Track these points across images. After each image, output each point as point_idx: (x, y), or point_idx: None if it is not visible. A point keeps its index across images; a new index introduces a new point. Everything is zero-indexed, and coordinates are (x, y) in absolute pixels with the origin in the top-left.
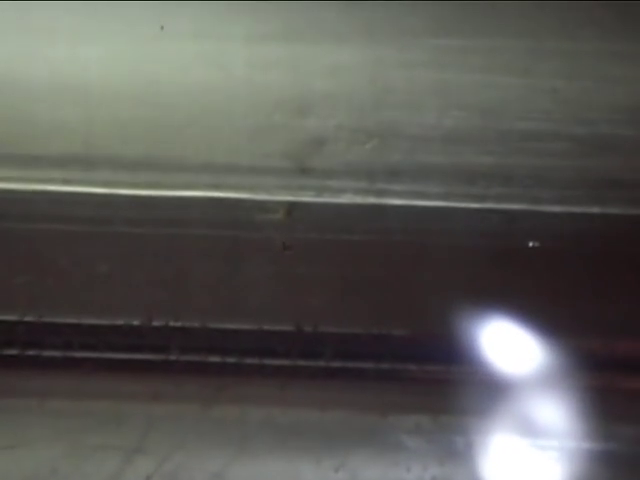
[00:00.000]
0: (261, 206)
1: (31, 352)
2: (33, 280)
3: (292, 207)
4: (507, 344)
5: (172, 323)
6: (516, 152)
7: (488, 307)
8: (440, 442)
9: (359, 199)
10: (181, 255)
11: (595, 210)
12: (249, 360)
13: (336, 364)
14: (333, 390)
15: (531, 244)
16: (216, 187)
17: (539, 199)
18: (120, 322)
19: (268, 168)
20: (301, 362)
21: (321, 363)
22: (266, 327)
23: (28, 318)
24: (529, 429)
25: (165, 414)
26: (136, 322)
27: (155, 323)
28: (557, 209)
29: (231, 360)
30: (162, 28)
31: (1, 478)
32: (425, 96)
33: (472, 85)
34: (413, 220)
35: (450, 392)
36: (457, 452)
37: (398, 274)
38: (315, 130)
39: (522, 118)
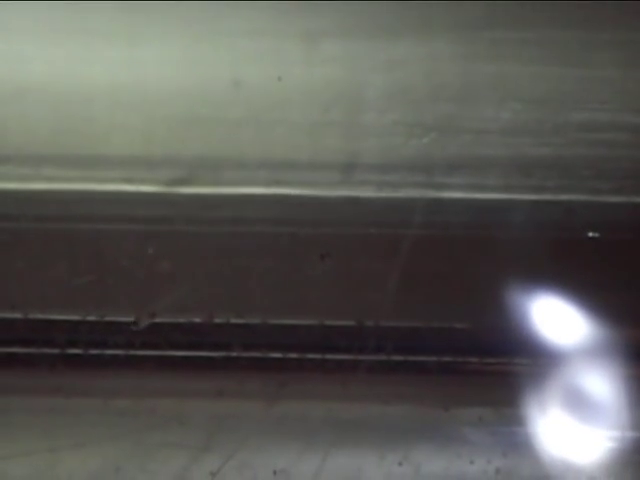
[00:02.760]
0: (320, 202)
1: (94, 351)
2: (95, 280)
3: (351, 202)
4: (568, 335)
5: (234, 320)
6: (574, 143)
7: (549, 299)
8: (503, 434)
9: (418, 193)
10: (242, 252)
11: None
12: (311, 356)
13: (397, 358)
14: (395, 384)
15: (590, 235)
16: (275, 183)
17: (598, 190)
18: (182, 320)
19: (326, 164)
20: (363, 357)
21: (383, 357)
22: (327, 322)
23: (91, 318)
24: (591, 419)
25: (228, 411)
26: (198, 319)
27: (217, 320)
28: (616, 199)
29: (293, 356)
30: (218, 28)
31: (67, 477)
32: (482, 89)
33: (529, 77)
34: (472, 213)
35: (512, 384)
36: (520, 444)
37: (458, 267)
38: (372, 125)
39: (579, 109)
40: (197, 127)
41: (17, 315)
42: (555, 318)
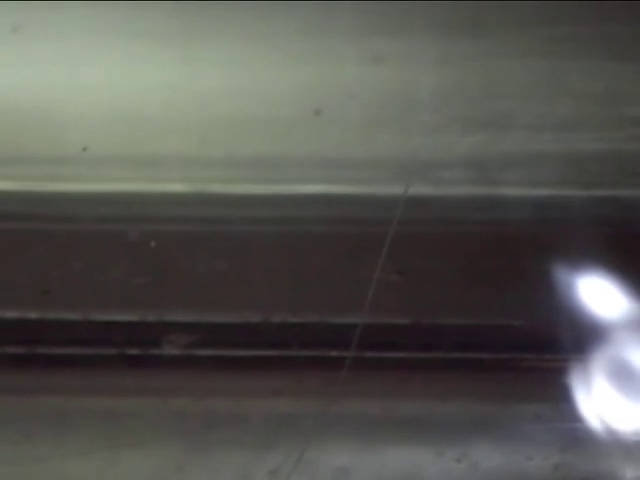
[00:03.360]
0: (376, 200)
1: (153, 351)
2: (153, 280)
3: (407, 200)
4: (626, 331)
5: (291, 319)
6: (629, 138)
7: (606, 294)
8: (561, 430)
9: (474, 190)
10: (298, 251)
11: None
12: (369, 354)
13: (455, 355)
14: (453, 381)
15: None
16: (331, 181)
17: None
18: (240, 319)
19: (381, 161)
20: (420, 354)
21: (440, 355)
22: (385, 320)
23: (149, 318)
24: None
25: (287, 410)
26: (255, 319)
27: (274, 319)
28: None
29: (350, 354)
30: (272, 28)
31: (128, 476)
32: (536, 85)
33: (583, 72)
34: (528, 209)
35: (569, 380)
36: (578, 440)
37: (515, 264)
38: (427, 122)
39: (634, 104)
40: (252, 126)
41: (76, 316)
42: (612, 314)
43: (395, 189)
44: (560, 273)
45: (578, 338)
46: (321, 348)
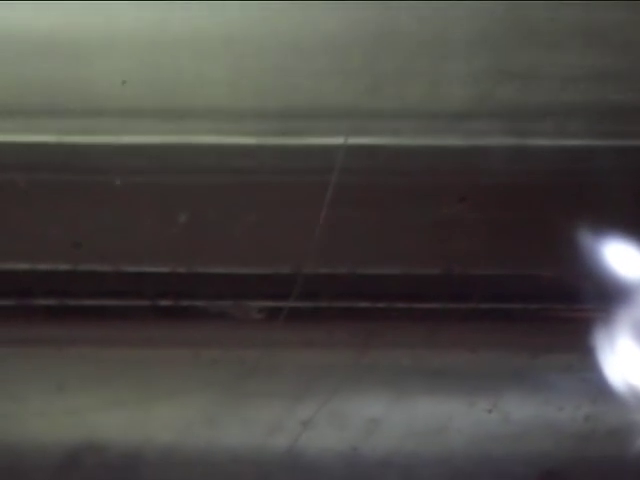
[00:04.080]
0: (406, 151)
1: (184, 303)
2: (185, 231)
3: (435, 151)
4: None
5: (322, 270)
6: None
7: (635, 246)
8: (592, 381)
9: (504, 140)
10: (329, 203)
11: None
12: (399, 305)
13: (485, 306)
14: (483, 332)
15: None
16: (361, 133)
17: None
18: (271, 271)
19: (411, 112)
20: (450, 305)
21: (470, 305)
22: (415, 271)
23: (180, 269)
24: None
25: (318, 361)
26: (286, 270)
27: (305, 271)
28: None
29: (381, 305)
30: None
31: (160, 427)
32: (567, 35)
33: (614, 23)
34: (558, 160)
35: (600, 331)
36: (609, 390)
37: (545, 215)
38: (458, 73)
39: None
40: (283, 78)
41: (108, 268)
42: None
43: (424, 140)
44: (590, 224)
45: (609, 289)
46: (352, 299)
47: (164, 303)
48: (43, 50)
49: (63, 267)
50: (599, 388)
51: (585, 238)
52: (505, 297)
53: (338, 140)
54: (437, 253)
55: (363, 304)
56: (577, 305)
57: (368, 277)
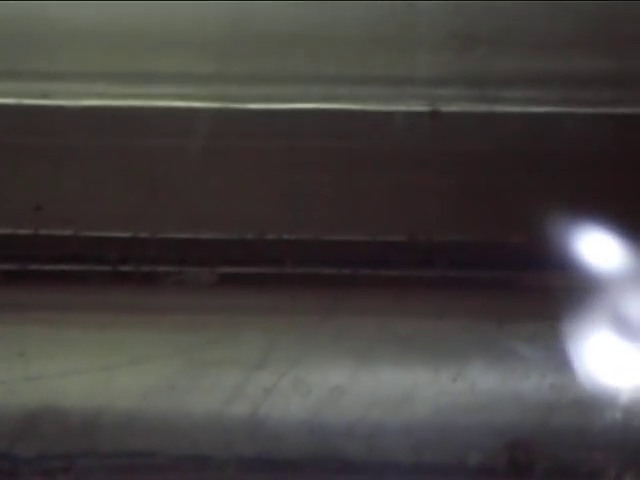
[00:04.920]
0: (372, 116)
1: (146, 268)
2: (147, 196)
3: (403, 117)
4: (623, 251)
5: (286, 236)
6: (629, 55)
7: (604, 213)
8: (557, 349)
9: (471, 107)
10: (294, 167)
11: None
12: (364, 271)
13: (451, 273)
14: (448, 299)
15: None
16: (327, 99)
17: None
18: (234, 236)
19: (378, 78)
20: (416, 272)
21: (436, 273)
22: (380, 238)
23: (142, 234)
24: None
25: (282, 327)
26: (250, 236)
27: (269, 236)
28: None
29: (346, 272)
30: None
31: (121, 394)
32: (536, 2)
33: None
34: (526, 127)
35: (566, 299)
36: (574, 359)
37: (511, 182)
38: (425, 39)
39: (634, 21)
40: (249, 41)
41: (69, 232)
42: (611, 233)
43: (391, 106)
44: (558, 191)
45: (576, 257)
46: (317, 266)
47: (125, 268)
48: (2, 11)
49: (24, 231)
50: (564, 357)
51: (553, 205)
52: (471, 264)
53: (304, 105)
54: (403, 219)
55: (328, 270)
56: (544, 273)
57: (333, 243)
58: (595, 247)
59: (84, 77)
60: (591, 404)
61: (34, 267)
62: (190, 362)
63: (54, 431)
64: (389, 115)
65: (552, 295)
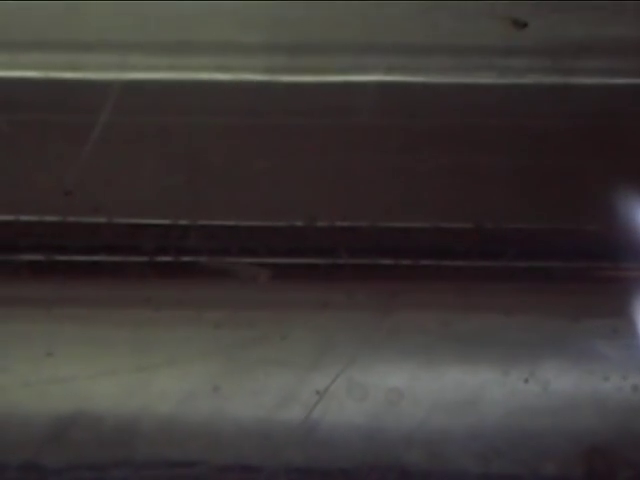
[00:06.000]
0: (433, 90)
1: (186, 259)
2: (187, 180)
3: (467, 90)
4: None
5: (339, 223)
6: None
7: None
8: None
9: (542, 79)
10: (348, 147)
11: None
12: (425, 262)
13: (521, 264)
14: (519, 293)
15: None
16: (385, 70)
17: None
18: (282, 223)
19: (438, 48)
20: (482, 263)
21: (504, 263)
22: (443, 225)
23: (182, 222)
24: None
25: (335, 325)
26: (299, 223)
27: (320, 223)
28: None
29: (405, 262)
30: None
31: (159, 397)
32: None
33: None
34: (604, 101)
35: None
36: None
37: (589, 162)
38: (491, 9)
39: None
40: (298, 8)
41: (101, 219)
42: None
43: (452, 78)
44: (638, 173)
45: None
46: (373, 256)
47: (163, 259)
48: None
49: (51, 218)
50: None
51: (634, 188)
52: (543, 254)
53: (360, 77)
54: (468, 205)
55: (385, 261)
56: (623, 263)
57: (391, 231)
58: None
59: (116, 47)
60: None
61: (63, 258)
62: (235, 362)
63: (86, 439)
64: (452, 88)
65: (632, 287)
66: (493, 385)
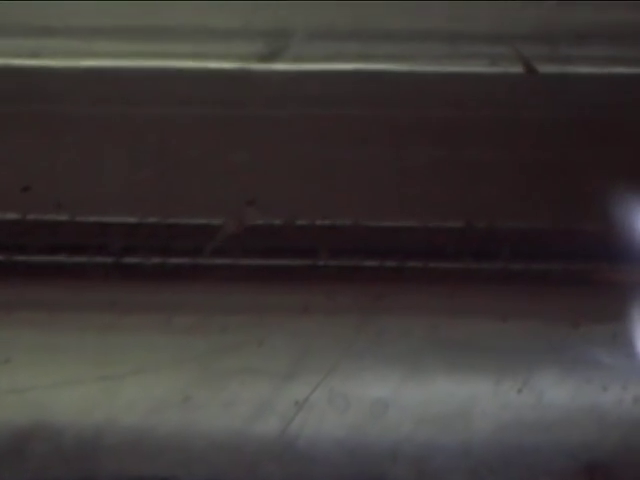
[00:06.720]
0: (422, 78)
1: (155, 260)
2: (157, 174)
3: (459, 79)
4: None
5: (320, 222)
6: None
7: None
8: None
9: (538, 68)
10: (329, 140)
11: None
12: (412, 263)
13: (516, 266)
14: (512, 297)
15: None
16: (368, 58)
17: None
18: (259, 222)
19: (429, 33)
20: (474, 264)
21: (498, 265)
22: (432, 223)
23: (151, 220)
24: None
25: (315, 330)
26: (277, 221)
27: (300, 222)
28: None
29: (391, 264)
30: None
31: (125, 408)
32: None
33: None
34: (606, 91)
35: None
36: None
37: (587, 158)
38: None
39: None
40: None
41: (64, 217)
42: None
43: (445, 66)
44: None
45: None
46: (356, 257)
47: (131, 260)
48: None
49: (9, 216)
50: None
51: (637, 185)
52: (539, 255)
53: (341, 65)
54: (458, 202)
55: (369, 262)
56: (624, 265)
57: (375, 230)
58: None
59: (80, 33)
60: None
61: (22, 258)
62: (207, 371)
63: (46, 453)
64: (439, 77)
65: (634, 292)
66: (484, 396)
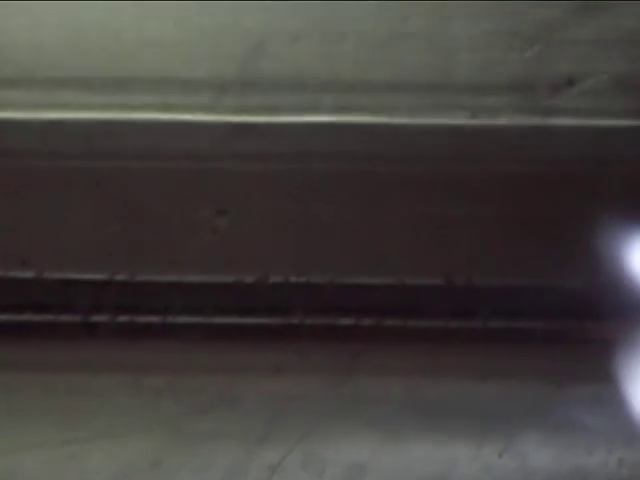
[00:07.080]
0: (398, 131)
1: (123, 318)
2: (124, 229)
3: (439, 131)
4: None
5: (294, 279)
6: None
7: None
8: (627, 417)
9: (521, 119)
10: (302, 194)
11: None
12: (390, 322)
13: (496, 324)
14: (493, 356)
15: None
16: (343, 110)
17: None
18: (231, 279)
19: (407, 84)
20: (453, 323)
21: (478, 323)
22: (409, 281)
23: (119, 277)
24: None
25: (289, 391)
26: (249, 279)
27: (273, 279)
28: None
29: (368, 322)
30: None
31: (91, 474)
32: None
33: None
34: (585, 144)
35: (636, 355)
36: None
37: (571, 212)
38: (460, 37)
39: None
40: (244, 39)
41: (30, 274)
42: None
43: (424, 118)
44: (624, 225)
45: None
46: (331, 315)
47: (98, 319)
48: None
49: None
50: (635, 427)
51: (618, 242)
52: (520, 313)
53: (315, 117)
54: (437, 259)
55: (345, 321)
56: (607, 323)
57: (351, 287)
58: None
59: (43, 84)
60: None
61: None
62: (178, 434)
63: None
64: (418, 129)
65: (618, 350)
66: (465, 459)
